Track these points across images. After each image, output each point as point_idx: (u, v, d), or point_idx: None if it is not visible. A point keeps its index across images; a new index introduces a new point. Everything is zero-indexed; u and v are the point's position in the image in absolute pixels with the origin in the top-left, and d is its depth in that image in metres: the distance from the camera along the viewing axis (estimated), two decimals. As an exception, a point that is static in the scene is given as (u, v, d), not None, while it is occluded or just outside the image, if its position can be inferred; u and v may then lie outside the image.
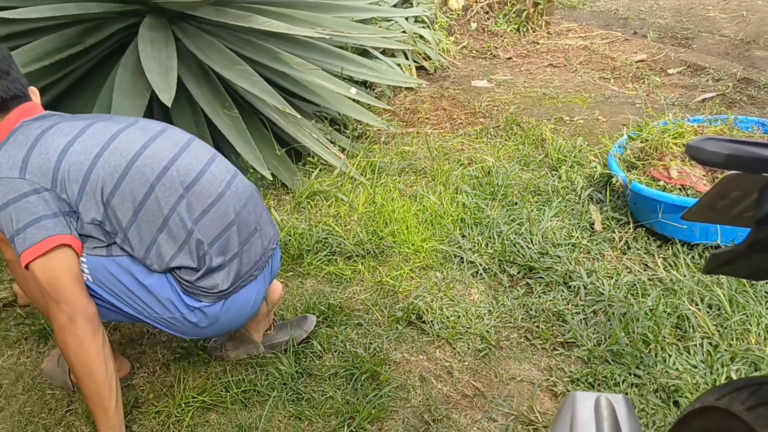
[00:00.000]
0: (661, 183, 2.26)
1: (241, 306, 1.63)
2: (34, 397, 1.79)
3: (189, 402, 1.73)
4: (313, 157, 2.80)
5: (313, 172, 2.76)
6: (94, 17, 2.48)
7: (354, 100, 3.09)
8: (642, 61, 4.16)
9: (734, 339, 1.82)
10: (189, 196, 1.50)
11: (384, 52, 3.75)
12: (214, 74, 2.71)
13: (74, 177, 1.42)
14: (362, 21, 3.40)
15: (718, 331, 1.85)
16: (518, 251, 2.24)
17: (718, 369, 1.72)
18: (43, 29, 2.43)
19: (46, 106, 2.57)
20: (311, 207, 2.58)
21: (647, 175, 2.33)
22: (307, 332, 1.91)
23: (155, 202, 1.47)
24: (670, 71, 3.96)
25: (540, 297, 2.07)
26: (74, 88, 2.65)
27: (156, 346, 1.95)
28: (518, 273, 2.18)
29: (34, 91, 1.60)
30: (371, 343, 1.92)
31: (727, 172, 0.80)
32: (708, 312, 1.92)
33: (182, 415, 1.69)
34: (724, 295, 1.95)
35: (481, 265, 2.21)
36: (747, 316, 1.88)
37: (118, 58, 2.55)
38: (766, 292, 1.98)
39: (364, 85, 3.57)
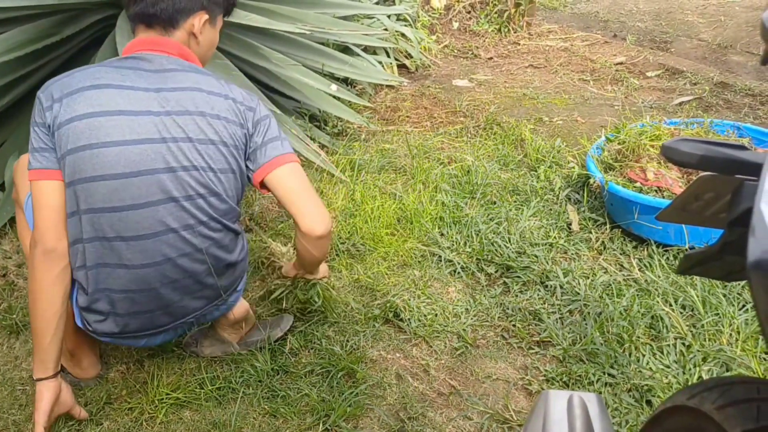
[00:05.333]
0: (638, 184, 2.28)
1: (131, 344, 1.66)
2: (4, 392, 1.76)
3: (162, 399, 1.71)
4: (292, 154, 2.78)
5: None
6: (71, 7, 2.44)
7: (334, 97, 3.08)
8: (621, 63, 4.20)
9: (707, 339, 1.84)
10: (118, 243, 1.47)
11: (365, 49, 3.74)
12: (193, 68, 2.68)
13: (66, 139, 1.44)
14: (344, 18, 3.39)
15: (691, 331, 1.87)
16: (496, 250, 2.25)
17: (690, 369, 1.74)
18: (18, 19, 2.38)
19: (21, 97, 2.53)
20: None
21: (624, 177, 2.35)
22: (284, 331, 1.89)
23: (88, 222, 1.46)
24: (649, 74, 4.00)
25: (517, 296, 2.08)
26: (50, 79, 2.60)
27: (130, 342, 1.93)
28: (496, 272, 2.19)
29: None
30: (348, 341, 1.91)
31: (701, 174, 0.81)
32: (681, 313, 1.95)
33: (155, 412, 1.67)
34: (698, 296, 1.97)
35: (459, 263, 2.22)
36: (719, 317, 1.91)
37: (95, 50, 2.51)
38: (738, 293, 2.01)
39: (345, 82, 3.56)
